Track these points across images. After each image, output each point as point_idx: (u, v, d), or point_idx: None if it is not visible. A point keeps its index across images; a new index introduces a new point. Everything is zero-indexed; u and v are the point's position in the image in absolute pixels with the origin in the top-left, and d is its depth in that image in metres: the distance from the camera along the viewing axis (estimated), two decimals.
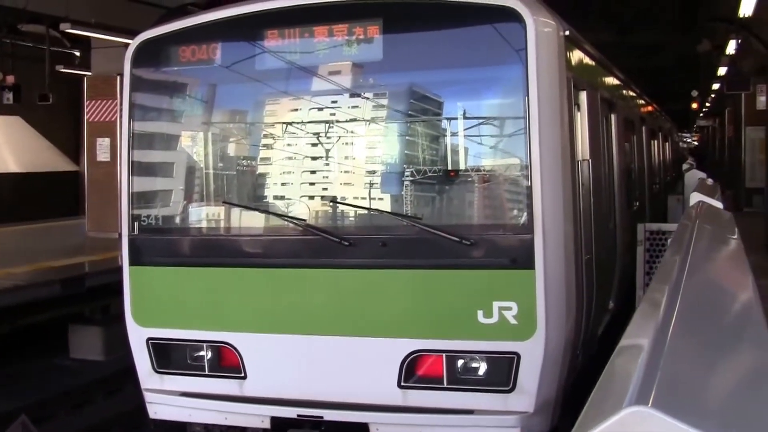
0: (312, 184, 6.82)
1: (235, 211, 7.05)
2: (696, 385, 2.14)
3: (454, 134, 6.55)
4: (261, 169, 7.19)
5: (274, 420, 6.40)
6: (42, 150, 27.61)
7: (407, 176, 6.50)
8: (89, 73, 19.39)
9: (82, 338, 13.43)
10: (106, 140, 18.15)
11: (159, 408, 6.84)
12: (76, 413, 11.31)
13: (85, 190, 19.40)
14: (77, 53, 21.83)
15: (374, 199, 6.64)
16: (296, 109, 6.95)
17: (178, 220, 7.22)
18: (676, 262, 4.17)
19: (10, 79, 21.05)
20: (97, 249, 15.46)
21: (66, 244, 17.33)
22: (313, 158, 6.76)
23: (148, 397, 6.91)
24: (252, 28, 6.79)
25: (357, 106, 6.73)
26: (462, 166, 6.57)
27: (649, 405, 1.73)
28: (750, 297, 3.51)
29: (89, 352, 13.26)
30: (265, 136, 7.15)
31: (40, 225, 20.72)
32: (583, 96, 7.49)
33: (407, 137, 6.77)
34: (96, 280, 13.13)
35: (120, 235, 7.11)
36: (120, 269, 7.12)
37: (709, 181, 13.14)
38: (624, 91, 12.24)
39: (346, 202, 6.67)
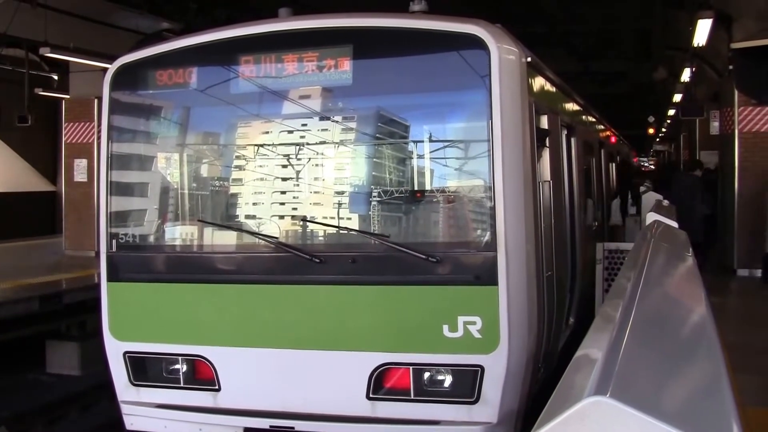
0: (284, 203, 6.90)
1: (210, 230, 7.12)
2: (650, 383, 2.27)
3: (420, 156, 6.64)
4: (235, 189, 7.24)
5: (247, 430, 6.49)
6: (20, 170, 27.30)
7: (375, 196, 6.58)
8: (67, 96, 19.45)
9: (59, 353, 13.54)
10: (84, 161, 18.24)
11: (135, 420, 6.90)
12: (53, 427, 11.35)
13: (62, 209, 19.43)
14: (55, 77, 21.66)
15: (344, 218, 6.71)
16: (269, 132, 7.03)
17: (154, 237, 7.27)
18: (630, 278, 4.26)
19: None
20: (74, 267, 15.51)
21: (44, 262, 17.28)
22: (285, 179, 6.84)
23: (124, 409, 6.98)
24: (226, 53, 6.90)
25: (327, 129, 6.80)
26: (428, 187, 6.67)
27: (608, 395, 1.88)
28: (703, 311, 3.60)
29: (65, 367, 13.36)
30: (239, 157, 7.21)
31: (18, 243, 20.58)
32: (544, 120, 7.62)
33: (376, 159, 6.84)
34: (73, 297, 13.20)
35: (97, 252, 7.18)
36: (97, 286, 7.21)
37: (665, 202, 13.44)
38: (583, 116, 12.38)
39: (317, 220, 6.76)
